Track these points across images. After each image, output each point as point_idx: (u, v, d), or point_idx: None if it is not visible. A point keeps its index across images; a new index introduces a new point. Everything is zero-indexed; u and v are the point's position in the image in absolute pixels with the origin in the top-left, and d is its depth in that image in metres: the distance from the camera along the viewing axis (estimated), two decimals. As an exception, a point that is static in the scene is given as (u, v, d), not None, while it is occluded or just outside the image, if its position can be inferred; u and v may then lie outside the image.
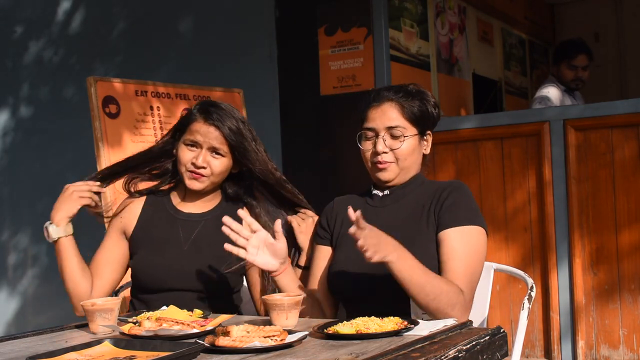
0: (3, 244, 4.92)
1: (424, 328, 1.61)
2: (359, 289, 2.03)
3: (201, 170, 2.18)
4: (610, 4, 6.55)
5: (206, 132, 2.17)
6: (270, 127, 4.23)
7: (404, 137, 2.07)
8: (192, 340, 1.54)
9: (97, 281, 2.21)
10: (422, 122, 2.12)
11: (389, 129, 2.08)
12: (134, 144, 3.18)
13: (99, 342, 1.57)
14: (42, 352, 1.49)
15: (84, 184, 2.23)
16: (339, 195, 2.28)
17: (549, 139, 3.57)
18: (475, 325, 1.75)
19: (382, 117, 2.09)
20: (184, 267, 2.17)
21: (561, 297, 3.53)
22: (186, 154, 2.20)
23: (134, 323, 1.73)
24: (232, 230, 1.96)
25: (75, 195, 2.17)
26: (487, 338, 1.56)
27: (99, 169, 2.96)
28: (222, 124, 2.18)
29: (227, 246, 1.95)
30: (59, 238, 2.15)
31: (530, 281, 2.19)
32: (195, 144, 2.19)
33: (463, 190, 2.08)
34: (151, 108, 3.32)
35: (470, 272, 1.97)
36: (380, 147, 2.07)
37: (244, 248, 1.95)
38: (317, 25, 4.13)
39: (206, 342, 1.51)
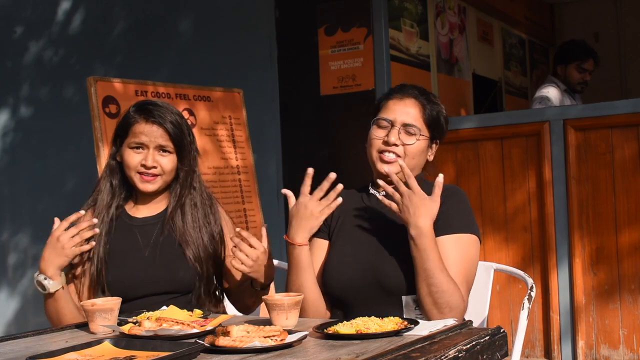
0: (3, 244, 4.92)
1: (424, 328, 1.61)
2: (348, 295, 2.02)
3: (152, 170, 2.16)
4: (610, 4, 6.55)
5: (150, 131, 2.15)
6: (270, 127, 4.23)
7: (420, 134, 2.08)
8: (192, 340, 1.54)
9: None
10: (435, 129, 2.13)
11: (406, 125, 2.07)
12: (134, 144, 3.17)
13: (99, 342, 1.57)
14: (42, 352, 1.49)
15: (75, 230, 2.05)
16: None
17: (549, 139, 3.57)
18: (475, 325, 1.75)
19: (403, 110, 2.08)
20: (147, 273, 2.15)
21: (561, 297, 3.53)
22: (134, 158, 2.16)
23: (134, 323, 1.73)
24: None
25: (68, 248, 2.04)
26: (487, 338, 1.56)
27: (99, 169, 2.95)
28: (164, 120, 2.16)
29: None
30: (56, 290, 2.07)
31: (530, 281, 2.19)
32: (141, 146, 2.16)
33: (460, 196, 2.07)
34: (151, 108, 3.31)
35: (467, 280, 1.97)
36: (394, 138, 2.06)
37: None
38: (317, 25, 4.13)
39: (206, 342, 1.51)
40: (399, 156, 2.07)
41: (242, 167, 3.58)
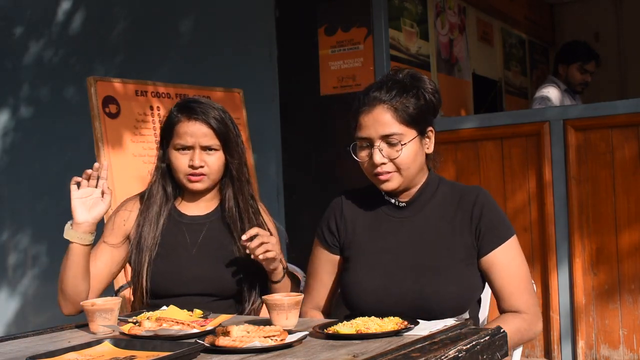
0: (3, 244, 4.92)
1: (424, 328, 1.61)
2: (383, 307, 1.82)
3: (200, 170, 2.14)
4: (610, 4, 6.55)
5: (194, 131, 2.13)
6: (270, 127, 4.23)
7: (402, 144, 1.87)
8: (192, 340, 1.54)
9: (96, 285, 2.15)
10: (420, 121, 1.90)
11: (384, 137, 1.87)
12: (134, 144, 3.18)
13: (99, 342, 1.57)
14: (42, 352, 1.49)
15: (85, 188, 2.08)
16: (338, 195, 2.10)
17: (549, 139, 3.57)
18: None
19: (375, 124, 1.87)
20: (193, 272, 2.14)
21: (561, 298, 3.53)
22: (180, 160, 2.15)
23: (134, 323, 1.73)
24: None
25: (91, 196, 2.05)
26: (487, 338, 1.56)
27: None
28: (207, 117, 2.14)
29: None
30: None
31: (530, 281, 2.19)
32: (186, 147, 2.15)
33: (490, 201, 1.95)
34: (151, 108, 3.32)
35: (528, 282, 1.97)
36: (378, 158, 1.88)
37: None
38: (317, 25, 4.13)
39: (206, 342, 1.51)
40: (393, 172, 1.91)
41: (242, 167, 3.58)
